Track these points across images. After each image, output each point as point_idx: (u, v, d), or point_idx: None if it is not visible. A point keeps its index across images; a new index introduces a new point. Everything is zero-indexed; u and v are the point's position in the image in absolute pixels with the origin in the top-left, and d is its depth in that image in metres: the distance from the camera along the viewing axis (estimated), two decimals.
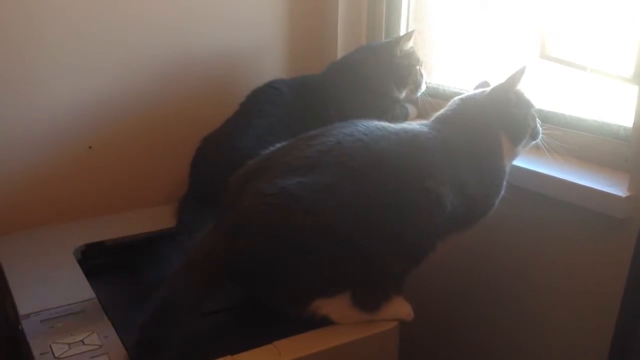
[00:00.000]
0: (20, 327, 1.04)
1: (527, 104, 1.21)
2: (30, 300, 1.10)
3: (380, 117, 1.42)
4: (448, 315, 1.54)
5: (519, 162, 1.24)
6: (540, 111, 1.29)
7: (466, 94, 1.24)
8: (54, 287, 1.15)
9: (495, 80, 1.22)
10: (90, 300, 1.11)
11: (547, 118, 1.31)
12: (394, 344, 1.06)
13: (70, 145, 1.46)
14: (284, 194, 0.98)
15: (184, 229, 1.29)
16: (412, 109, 1.59)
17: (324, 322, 1.02)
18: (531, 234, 1.31)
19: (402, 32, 1.67)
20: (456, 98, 1.22)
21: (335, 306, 1.01)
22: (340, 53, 1.70)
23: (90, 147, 1.48)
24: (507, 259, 1.37)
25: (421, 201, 1.02)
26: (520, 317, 1.36)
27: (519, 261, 1.34)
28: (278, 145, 1.12)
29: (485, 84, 1.26)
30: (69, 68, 1.42)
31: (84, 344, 0.98)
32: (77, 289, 1.14)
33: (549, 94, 1.35)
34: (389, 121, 1.26)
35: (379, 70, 1.51)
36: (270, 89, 1.47)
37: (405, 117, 1.57)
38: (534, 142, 1.22)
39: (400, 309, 1.06)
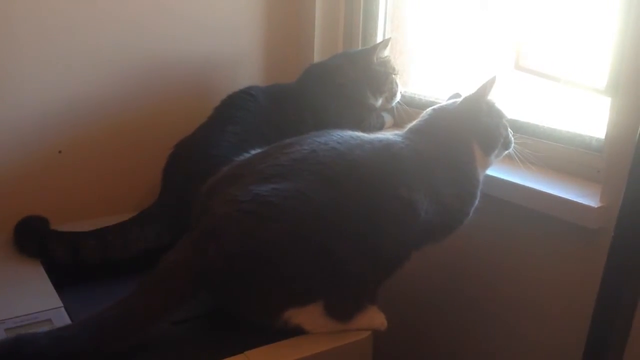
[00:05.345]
0: None
1: (499, 114, 1.22)
2: None
3: (356, 125, 1.43)
4: (422, 325, 1.54)
5: (492, 171, 1.25)
6: (514, 121, 1.30)
7: (438, 104, 1.25)
8: (19, 294, 1.13)
9: (469, 91, 1.22)
10: (57, 308, 1.09)
11: (521, 128, 1.33)
12: (367, 353, 1.05)
13: (40, 149, 1.43)
14: (257, 200, 0.97)
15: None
16: (388, 118, 1.59)
17: (296, 331, 1.01)
18: (504, 243, 1.31)
19: (379, 40, 1.68)
20: (428, 109, 1.23)
21: (308, 315, 1.00)
22: (317, 60, 1.69)
23: (60, 152, 1.46)
24: (479, 268, 1.37)
25: (394, 209, 1.02)
26: (492, 327, 1.37)
27: (491, 270, 1.35)
28: (252, 152, 1.11)
29: (457, 95, 1.27)
30: (39, 70, 1.39)
31: None
32: (44, 297, 1.12)
33: (524, 105, 1.37)
34: (365, 130, 1.26)
35: (356, 77, 1.51)
36: (245, 95, 1.45)
37: (381, 126, 1.57)
38: (506, 152, 1.24)
39: (374, 318, 1.06)
